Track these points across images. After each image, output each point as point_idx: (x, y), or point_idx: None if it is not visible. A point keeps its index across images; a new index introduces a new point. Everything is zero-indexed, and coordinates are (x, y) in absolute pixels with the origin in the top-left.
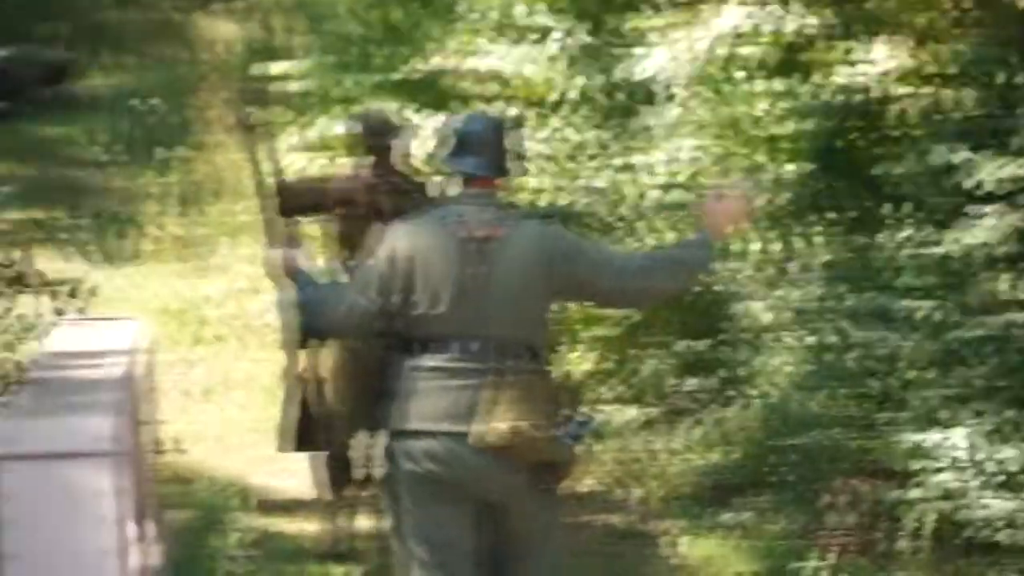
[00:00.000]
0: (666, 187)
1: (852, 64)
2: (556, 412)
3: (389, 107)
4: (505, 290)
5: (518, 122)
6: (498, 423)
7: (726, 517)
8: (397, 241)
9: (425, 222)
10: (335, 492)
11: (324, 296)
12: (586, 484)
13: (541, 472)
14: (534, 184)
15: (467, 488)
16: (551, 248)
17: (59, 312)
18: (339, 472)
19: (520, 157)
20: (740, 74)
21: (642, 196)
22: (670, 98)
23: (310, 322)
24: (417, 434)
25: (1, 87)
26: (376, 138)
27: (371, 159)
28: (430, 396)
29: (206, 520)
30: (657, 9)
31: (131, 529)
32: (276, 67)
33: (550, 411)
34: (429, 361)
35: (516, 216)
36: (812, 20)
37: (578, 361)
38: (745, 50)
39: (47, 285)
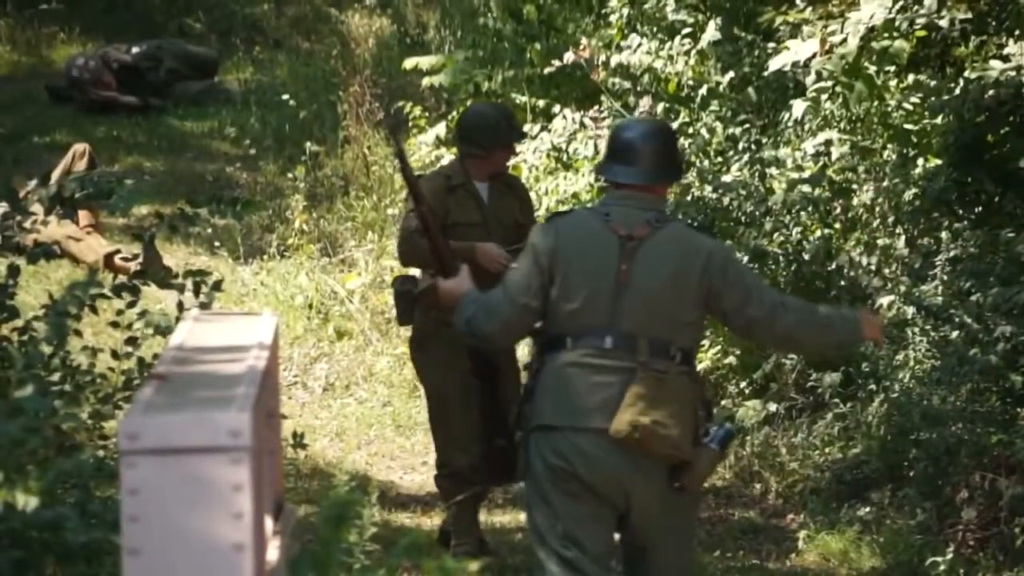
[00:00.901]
0: (809, 181)
1: (988, 59)
2: (699, 415)
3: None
4: (648, 288)
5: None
6: (637, 418)
7: (858, 512)
8: (547, 240)
9: (574, 221)
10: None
11: (488, 305)
12: (718, 479)
13: (679, 473)
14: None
15: (604, 484)
16: (705, 259)
17: (183, 306)
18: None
19: (675, 163)
20: (875, 68)
21: (786, 190)
22: (807, 92)
23: (481, 332)
24: (558, 429)
25: (145, 81)
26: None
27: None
28: (571, 391)
29: (330, 515)
30: (794, 4)
31: (262, 524)
32: (422, 62)
33: (692, 413)
34: (571, 356)
35: (665, 219)
36: (952, 14)
37: (705, 356)
38: (882, 44)
39: (173, 279)
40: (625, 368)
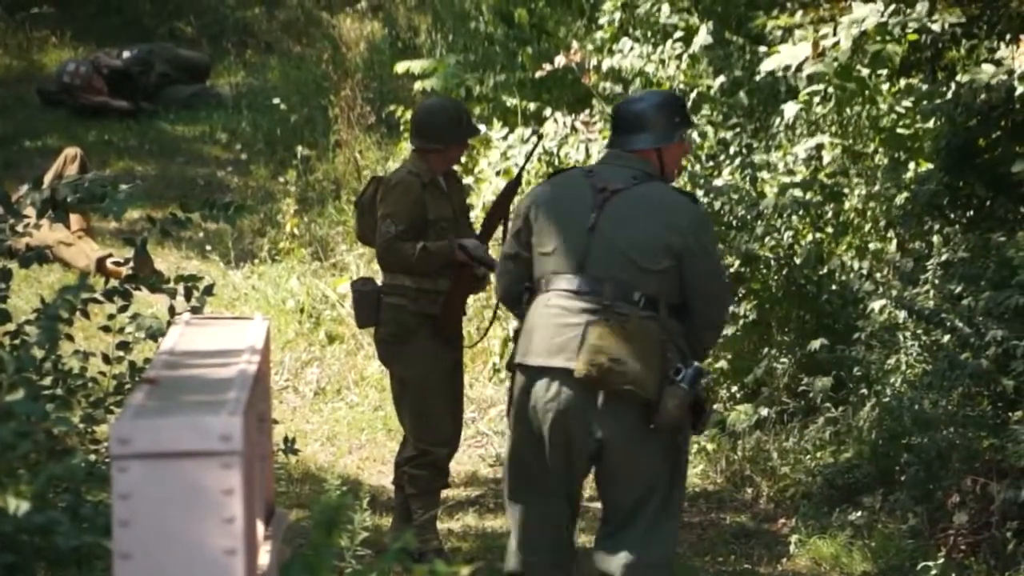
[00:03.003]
0: (800, 185)
1: (979, 63)
2: (667, 357)
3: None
4: (615, 236)
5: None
6: (594, 356)
7: (850, 516)
8: (532, 194)
9: (559, 178)
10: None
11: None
12: (709, 483)
13: (647, 413)
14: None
15: (568, 421)
16: (676, 215)
17: (174, 310)
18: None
19: (663, 128)
20: (867, 72)
21: (778, 194)
22: (799, 96)
23: (499, 298)
24: (527, 368)
25: (136, 85)
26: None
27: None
28: (543, 332)
29: (321, 519)
30: (784, 8)
31: (253, 528)
32: (414, 66)
33: (659, 355)
34: (546, 299)
35: (648, 178)
36: (944, 18)
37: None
38: (875, 48)
39: (164, 283)
40: (591, 309)
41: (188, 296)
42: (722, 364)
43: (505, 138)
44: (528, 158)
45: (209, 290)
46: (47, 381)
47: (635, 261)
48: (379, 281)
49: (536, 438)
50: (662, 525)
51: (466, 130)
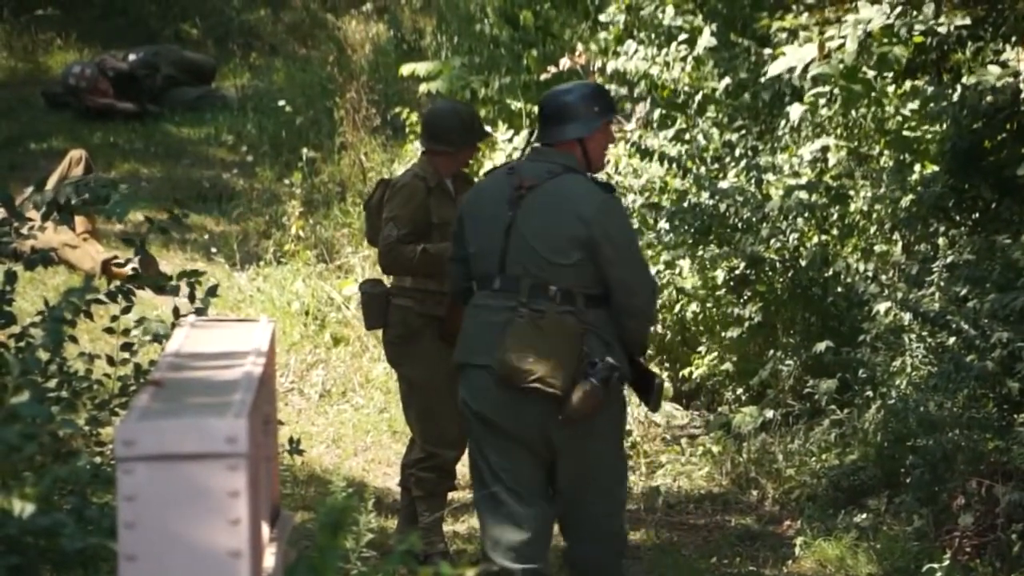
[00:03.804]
0: (806, 187)
1: (985, 65)
2: (582, 351)
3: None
4: (527, 233)
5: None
6: (505, 355)
7: (855, 518)
8: (468, 194)
9: (485, 180)
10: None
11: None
12: (715, 486)
13: (564, 407)
14: (676, 185)
15: (497, 417)
16: (585, 207)
17: (195, 314)
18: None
19: (575, 119)
20: (873, 74)
21: (783, 196)
22: (804, 98)
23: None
24: (463, 367)
25: (141, 87)
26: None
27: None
28: (471, 332)
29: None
30: (790, 10)
31: (259, 530)
32: (419, 68)
33: (573, 350)
34: (475, 299)
35: (564, 171)
36: (950, 20)
37: (701, 362)
38: (881, 50)
39: (169, 284)
40: (509, 307)
41: (192, 297)
42: (727, 366)
43: (510, 140)
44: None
45: (213, 291)
46: (52, 383)
47: (546, 256)
48: (372, 279)
49: (478, 436)
50: (606, 522)
51: (476, 133)
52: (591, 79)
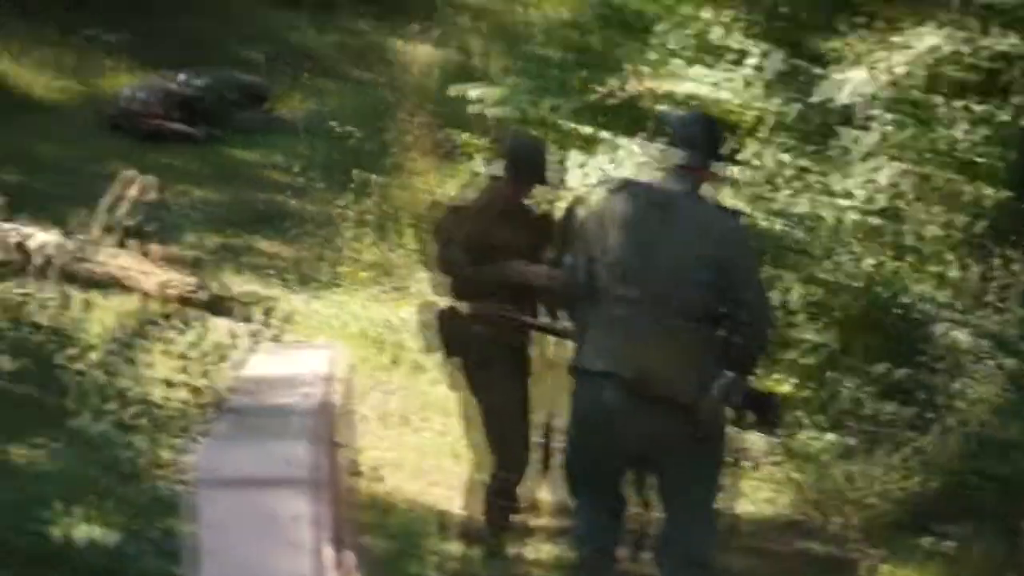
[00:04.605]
0: (864, 211)
1: None
2: (707, 367)
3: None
4: (665, 251)
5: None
6: (640, 363)
7: (926, 544)
8: (597, 204)
9: (622, 190)
10: (503, 520)
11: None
12: (795, 512)
13: (689, 421)
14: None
15: (618, 423)
16: (721, 230)
17: (253, 337)
18: (505, 503)
19: (714, 147)
20: (938, 97)
21: (840, 221)
22: (867, 121)
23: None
24: (586, 372)
25: (198, 110)
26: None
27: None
28: (596, 340)
29: (404, 547)
30: (853, 32)
31: (329, 556)
32: (473, 91)
33: (699, 365)
34: (601, 309)
35: (698, 195)
36: (1013, 41)
37: (775, 386)
38: (943, 72)
39: (243, 310)
40: (637, 320)
41: (259, 321)
42: (805, 392)
43: (561, 162)
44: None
45: (286, 318)
46: (118, 407)
47: (679, 274)
48: (449, 305)
49: (590, 439)
50: (704, 526)
51: (542, 172)
52: (645, 101)
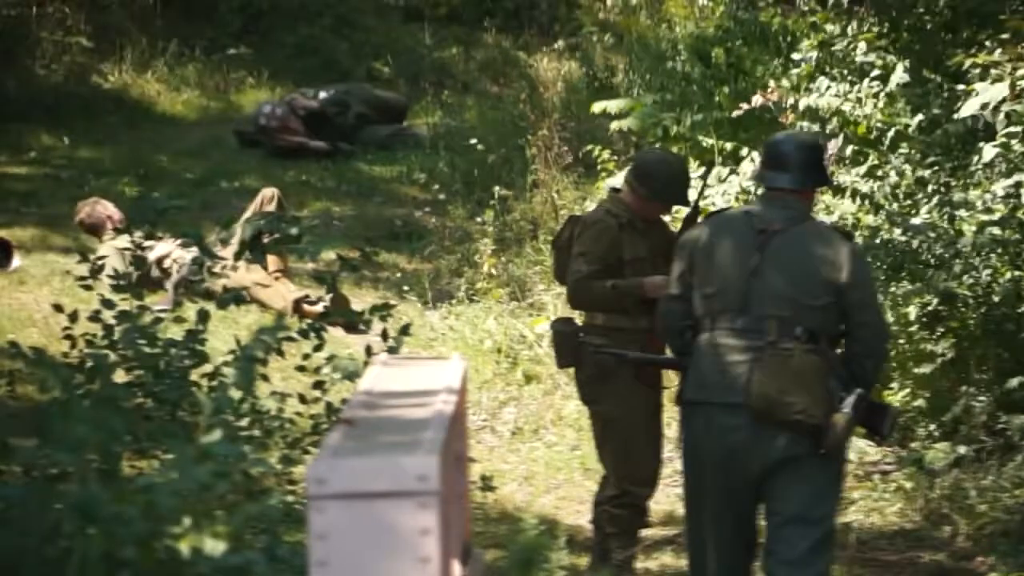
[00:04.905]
0: (999, 223)
1: None
2: (831, 387)
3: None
4: (777, 275)
5: (825, 142)
6: (765, 391)
7: None
8: (692, 235)
9: (719, 218)
10: (632, 536)
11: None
12: (907, 521)
13: (813, 439)
14: (869, 221)
15: (737, 453)
16: (836, 253)
17: (371, 350)
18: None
19: (820, 170)
20: None
21: (976, 232)
22: (996, 136)
23: (658, 334)
24: (700, 404)
25: (333, 126)
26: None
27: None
28: (710, 369)
29: (519, 559)
30: (983, 47)
31: (451, 569)
32: (611, 105)
33: (822, 385)
34: (710, 337)
35: (805, 217)
36: None
37: (894, 398)
38: None
39: (361, 321)
40: (755, 347)
41: (384, 334)
42: (920, 403)
43: (702, 177)
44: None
45: (406, 329)
46: (244, 422)
47: (796, 298)
48: (579, 321)
49: (711, 471)
50: (824, 549)
51: (686, 195)
52: (784, 116)
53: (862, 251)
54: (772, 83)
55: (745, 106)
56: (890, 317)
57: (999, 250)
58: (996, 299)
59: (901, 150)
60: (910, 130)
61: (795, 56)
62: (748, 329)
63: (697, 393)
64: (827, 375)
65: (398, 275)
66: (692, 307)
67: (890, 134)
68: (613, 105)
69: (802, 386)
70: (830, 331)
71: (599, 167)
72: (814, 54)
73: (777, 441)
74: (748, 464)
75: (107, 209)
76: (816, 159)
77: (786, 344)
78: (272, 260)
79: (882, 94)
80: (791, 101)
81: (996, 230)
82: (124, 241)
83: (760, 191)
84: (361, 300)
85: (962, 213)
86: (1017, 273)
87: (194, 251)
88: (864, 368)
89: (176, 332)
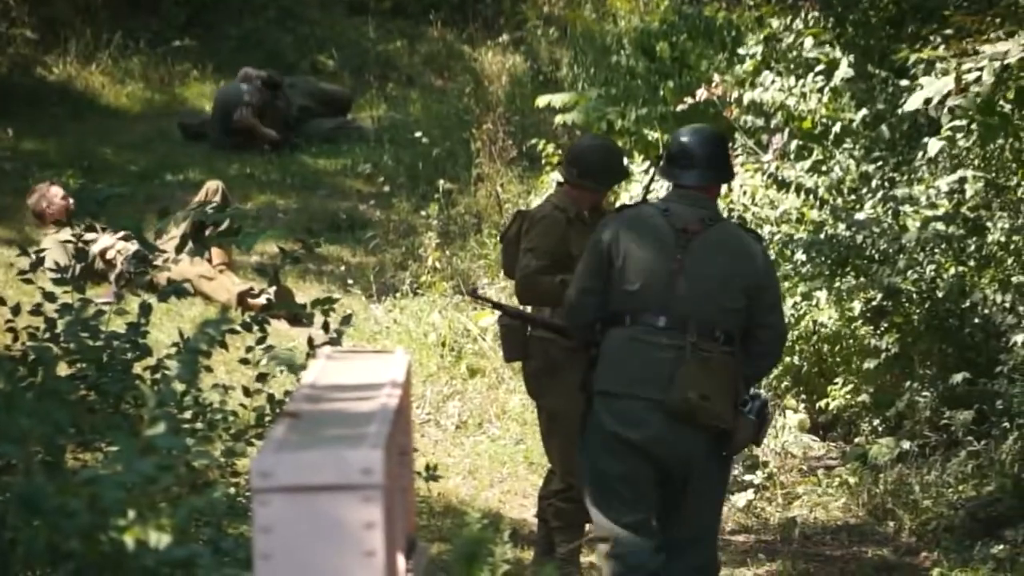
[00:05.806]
0: (943, 218)
1: None
2: (738, 388)
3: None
4: (699, 277)
5: (725, 136)
6: (687, 393)
7: (992, 550)
8: (610, 230)
9: (635, 214)
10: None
11: (564, 300)
12: (851, 517)
13: (720, 440)
14: (813, 216)
15: (654, 447)
16: (753, 258)
17: (313, 342)
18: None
19: (726, 166)
20: (1011, 106)
21: (920, 228)
22: (940, 130)
23: (567, 325)
24: (617, 396)
25: (278, 119)
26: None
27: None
28: (629, 363)
29: (462, 553)
30: (928, 42)
31: (396, 562)
32: (555, 99)
33: (733, 388)
34: (629, 332)
35: (717, 217)
36: None
37: (837, 394)
38: (1017, 83)
39: (304, 314)
40: (676, 346)
41: (326, 326)
42: (864, 398)
43: (646, 171)
44: (646, 190)
45: (348, 320)
46: (188, 415)
47: (718, 301)
48: (517, 311)
49: (621, 462)
50: (715, 536)
51: (621, 174)
52: (728, 111)
53: (768, 254)
54: (717, 77)
55: (690, 100)
56: (834, 313)
57: (943, 245)
58: (940, 295)
59: (845, 145)
60: (854, 125)
61: (740, 51)
62: (670, 328)
63: (614, 385)
64: (737, 377)
65: (342, 268)
66: (605, 301)
67: (835, 129)
68: (558, 99)
69: (719, 389)
70: (740, 333)
71: (544, 161)
72: (759, 49)
73: (697, 443)
74: (666, 460)
75: (56, 196)
76: (722, 154)
77: (705, 346)
78: (216, 253)
79: (827, 89)
80: (735, 95)
81: (940, 225)
82: (66, 234)
83: (668, 187)
84: (306, 293)
85: (906, 208)
86: (961, 269)
87: (136, 244)
88: (760, 368)
89: (119, 325)
